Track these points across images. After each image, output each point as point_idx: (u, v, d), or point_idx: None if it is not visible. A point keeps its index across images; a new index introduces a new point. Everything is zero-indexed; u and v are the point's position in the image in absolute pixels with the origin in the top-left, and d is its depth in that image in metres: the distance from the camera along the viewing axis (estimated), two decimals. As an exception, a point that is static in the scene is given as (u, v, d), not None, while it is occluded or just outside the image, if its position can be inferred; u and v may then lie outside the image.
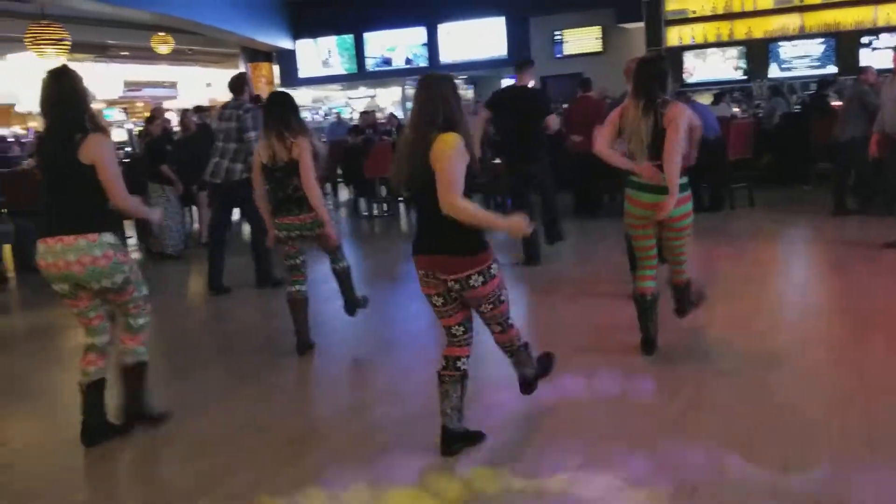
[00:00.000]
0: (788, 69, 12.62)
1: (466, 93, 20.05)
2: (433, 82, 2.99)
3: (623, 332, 4.48)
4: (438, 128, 2.89)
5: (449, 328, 3.13)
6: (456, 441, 3.14)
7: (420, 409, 3.57)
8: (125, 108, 22.62)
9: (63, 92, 3.33)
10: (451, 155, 2.84)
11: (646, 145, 3.87)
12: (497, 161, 7.97)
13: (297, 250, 4.55)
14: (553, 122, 6.56)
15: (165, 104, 19.19)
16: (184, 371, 4.56)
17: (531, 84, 6.85)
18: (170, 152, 8.42)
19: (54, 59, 12.52)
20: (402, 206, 11.04)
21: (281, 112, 4.45)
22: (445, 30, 16.26)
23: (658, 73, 3.92)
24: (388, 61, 17.05)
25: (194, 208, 9.58)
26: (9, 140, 17.44)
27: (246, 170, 5.95)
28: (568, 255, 7.01)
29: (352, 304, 4.94)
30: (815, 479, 2.77)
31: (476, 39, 16.08)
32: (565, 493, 2.79)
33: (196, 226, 9.64)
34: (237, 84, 6.40)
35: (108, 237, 3.32)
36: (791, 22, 12.52)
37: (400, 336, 5.12)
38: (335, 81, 18.34)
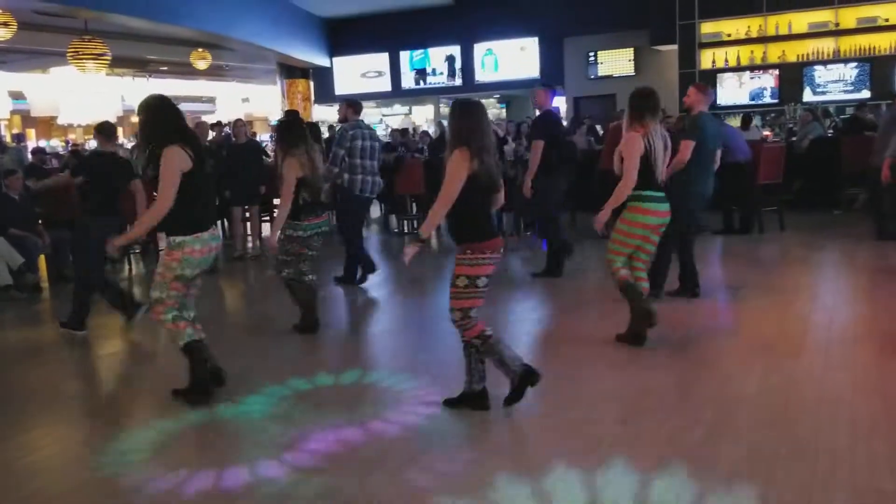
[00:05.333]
0: (822, 93, 12.50)
1: (500, 112, 20.21)
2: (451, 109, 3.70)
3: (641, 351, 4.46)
4: (451, 147, 3.57)
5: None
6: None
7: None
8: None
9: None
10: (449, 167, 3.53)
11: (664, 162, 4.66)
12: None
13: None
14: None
15: (204, 118, 19.55)
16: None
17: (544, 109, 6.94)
18: (220, 161, 8.64)
19: (95, 73, 12.87)
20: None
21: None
22: (480, 49, 16.39)
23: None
24: (423, 79, 17.20)
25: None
26: (47, 153, 17.89)
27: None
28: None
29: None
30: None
31: (510, 60, 16.19)
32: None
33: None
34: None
35: None
36: (825, 46, 12.42)
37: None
38: (371, 98, 18.56)
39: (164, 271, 4.00)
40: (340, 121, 7.24)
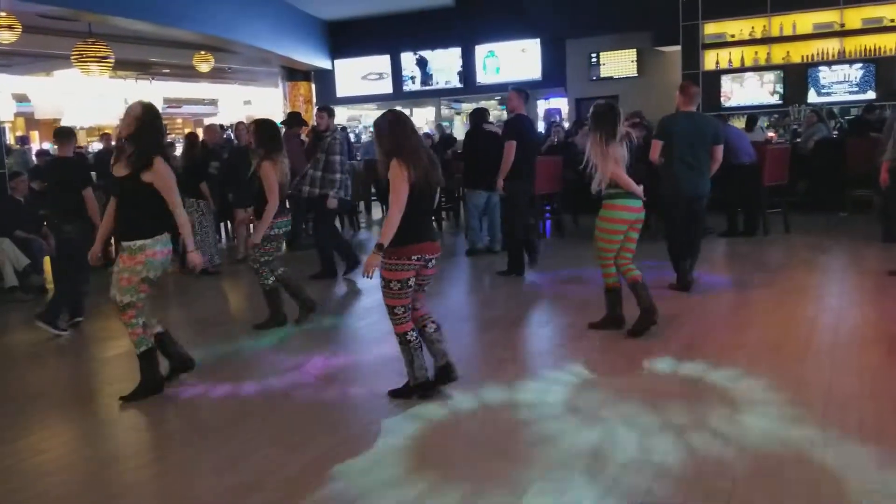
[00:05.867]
0: (827, 94, 12.47)
1: (501, 114, 20.18)
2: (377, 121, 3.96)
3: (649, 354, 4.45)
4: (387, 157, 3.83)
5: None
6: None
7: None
8: (165, 125, 23.13)
9: None
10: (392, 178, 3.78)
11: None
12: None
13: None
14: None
15: (207, 121, 19.59)
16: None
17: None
18: (222, 162, 8.67)
19: (99, 76, 12.89)
20: (434, 226, 11.10)
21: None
22: (481, 51, 16.38)
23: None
24: (425, 81, 17.19)
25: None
26: (51, 155, 17.90)
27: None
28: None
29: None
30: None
31: (511, 61, 16.18)
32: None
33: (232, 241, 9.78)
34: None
35: None
36: (830, 46, 12.39)
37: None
38: (371, 101, 18.56)
39: (130, 276, 4.13)
40: (323, 130, 7.63)
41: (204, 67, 16.64)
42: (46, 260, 7.92)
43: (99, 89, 19.19)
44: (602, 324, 5.22)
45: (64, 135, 6.19)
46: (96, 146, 14.85)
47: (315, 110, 7.77)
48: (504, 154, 7.05)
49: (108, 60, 12.33)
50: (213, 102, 24.90)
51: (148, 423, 4.12)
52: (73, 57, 12.22)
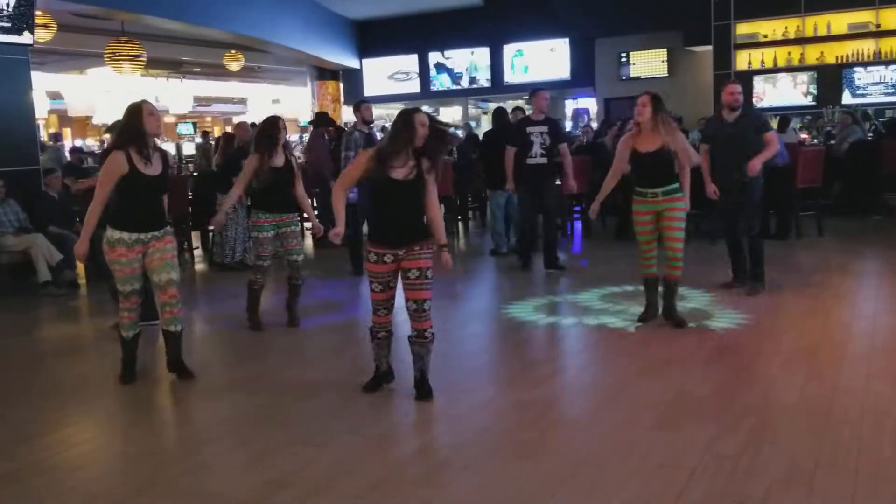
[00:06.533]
0: (862, 95, 12.25)
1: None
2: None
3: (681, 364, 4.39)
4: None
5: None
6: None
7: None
8: (195, 123, 23.37)
9: None
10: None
11: None
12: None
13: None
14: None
15: (236, 119, 19.74)
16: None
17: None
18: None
19: (130, 74, 13.05)
20: (460, 225, 11.10)
21: None
22: (509, 51, 16.32)
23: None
24: (454, 80, 17.17)
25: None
26: (85, 151, 18.15)
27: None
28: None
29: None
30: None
31: (539, 61, 16.10)
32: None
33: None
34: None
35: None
36: (866, 47, 12.17)
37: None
38: (399, 100, 18.59)
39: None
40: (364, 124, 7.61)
41: (234, 66, 16.77)
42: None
43: (130, 87, 19.44)
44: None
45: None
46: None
47: (361, 106, 7.62)
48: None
49: (140, 59, 12.48)
50: (243, 101, 25.08)
51: (181, 419, 4.15)
52: (105, 55, 12.38)
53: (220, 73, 19.79)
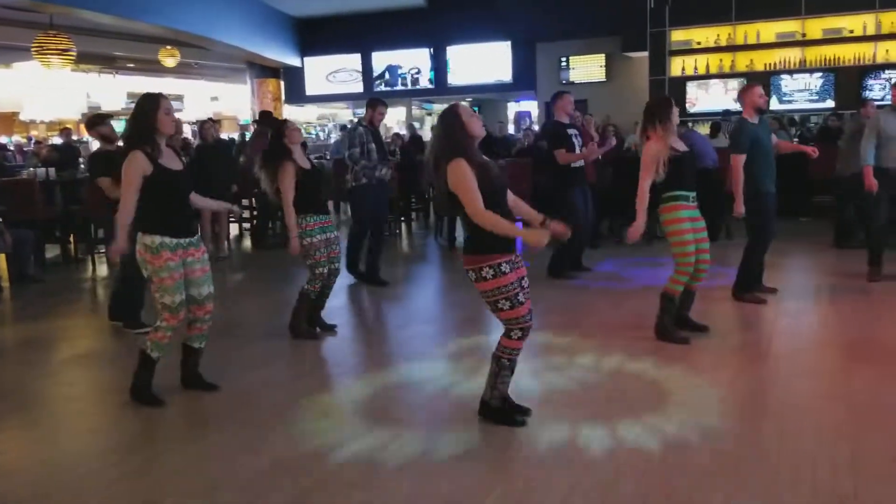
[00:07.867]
0: (789, 102, 12.72)
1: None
2: (440, 116, 3.46)
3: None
4: (446, 158, 3.31)
5: None
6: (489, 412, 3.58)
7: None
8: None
9: None
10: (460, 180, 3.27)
11: None
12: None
13: None
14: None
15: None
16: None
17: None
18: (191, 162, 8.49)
19: (60, 69, 12.65)
20: (403, 227, 11.09)
21: None
22: (452, 53, 16.39)
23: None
24: (394, 81, 17.16)
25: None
26: (9, 149, 17.49)
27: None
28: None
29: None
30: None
31: (482, 63, 16.22)
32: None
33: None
34: None
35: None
36: (792, 55, 12.65)
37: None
38: (341, 100, 18.47)
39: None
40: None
41: (170, 62, 16.43)
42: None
43: (60, 83, 18.83)
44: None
45: (94, 124, 5.89)
46: (56, 140, 14.51)
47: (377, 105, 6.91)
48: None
49: (69, 53, 12.13)
50: (179, 98, 24.56)
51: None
52: (33, 49, 11.98)
53: (155, 69, 19.34)
